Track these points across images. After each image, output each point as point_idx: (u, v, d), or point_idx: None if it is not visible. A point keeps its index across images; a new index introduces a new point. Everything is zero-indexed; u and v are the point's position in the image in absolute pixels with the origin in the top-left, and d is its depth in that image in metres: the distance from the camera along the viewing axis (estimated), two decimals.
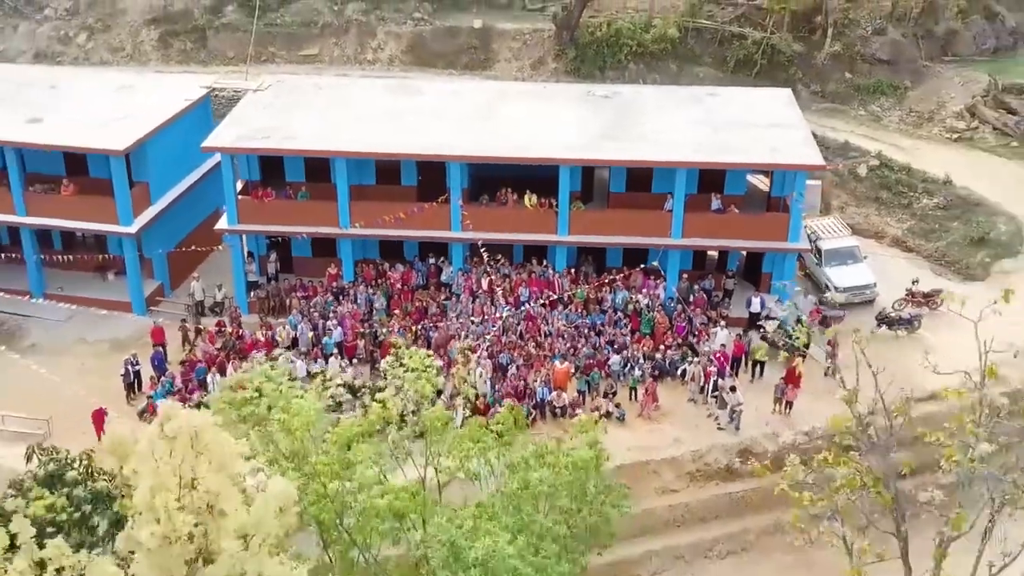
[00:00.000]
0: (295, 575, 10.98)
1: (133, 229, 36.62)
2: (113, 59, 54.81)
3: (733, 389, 31.99)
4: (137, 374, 33.38)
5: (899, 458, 22.61)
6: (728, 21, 54.02)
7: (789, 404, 32.60)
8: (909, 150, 48.70)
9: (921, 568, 21.98)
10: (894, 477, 20.07)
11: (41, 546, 11.16)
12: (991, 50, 55.28)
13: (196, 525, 10.44)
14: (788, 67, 52.42)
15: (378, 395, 15.96)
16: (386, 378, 17.85)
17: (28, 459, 19.23)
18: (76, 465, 18.13)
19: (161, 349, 34.27)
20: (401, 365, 16.25)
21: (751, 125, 37.53)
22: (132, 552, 11.41)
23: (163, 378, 32.85)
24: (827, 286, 38.30)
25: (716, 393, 32.54)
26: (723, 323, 34.75)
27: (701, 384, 32.99)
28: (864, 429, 21.40)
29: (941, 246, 43.35)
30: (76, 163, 38.37)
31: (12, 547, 11.84)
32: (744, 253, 38.46)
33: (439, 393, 20.86)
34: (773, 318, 35.53)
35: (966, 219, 44.01)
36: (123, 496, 11.64)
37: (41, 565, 11.42)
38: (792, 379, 32.34)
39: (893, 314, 36.90)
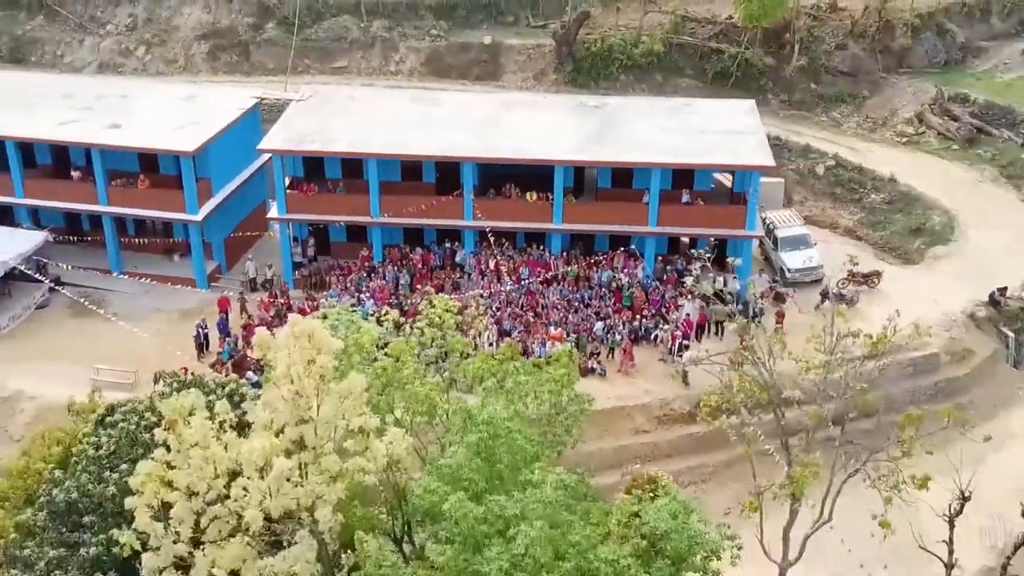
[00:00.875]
0: (370, 422, 17.12)
1: (199, 217, 42.92)
2: (168, 70, 61.18)
3: (686, 348, 38.20)
4: (206, 336, 39.68)
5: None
6: (708, 38, 59.90)
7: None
8: (863, 152, 54.65)
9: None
10: (779, 403, 25.66)
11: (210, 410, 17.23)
12: (942, 63, 60.82)
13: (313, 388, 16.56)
14: (760, 78, 58.37)
15: (418, 323, 22.18)
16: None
17: (156, 381, 25.57)
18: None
19: (225, 316, 40.64)
20: (432, 305, 22.48)
21: (717, 132, 43.58)
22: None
23: (227, 339, 39.24)
24: (782, 268, 44.44)
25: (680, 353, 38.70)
26: (689, 297, 40.93)
27: (669, 346, 39.24)
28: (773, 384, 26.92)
29: (885, 235, 49.43)
30: (149, 161, 44.59)
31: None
32: (713, 239, 44.56)
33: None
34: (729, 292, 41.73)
35: (907, 212, 50.06)
36: (268, 368, 17.67)
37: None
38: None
39: (835, 291, 42.98)
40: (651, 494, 19.22)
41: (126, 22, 63.19)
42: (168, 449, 17.14)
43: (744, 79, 58.12)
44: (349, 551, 17.89)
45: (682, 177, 43.21)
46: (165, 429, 16.99)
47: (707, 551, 18.08)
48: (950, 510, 25.82)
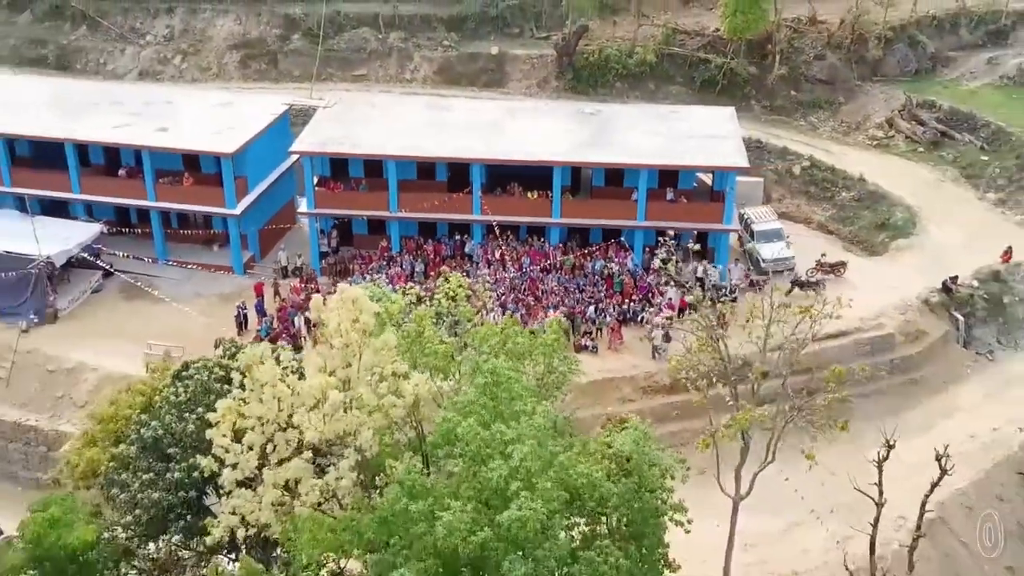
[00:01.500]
0: (400, 368, 21.67)
1: (236, 211, 47.55)
2: (202, 77, 65.81)
3: (658, 326, 42.69)
4: (245, 316, 44.33)
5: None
6: (696, 49, 64.27)
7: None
8: (836, 154, 58.96)
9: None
10: (728, 362, 29.92)
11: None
12: (913, 71, 64.92)
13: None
14: (744, 86, 62.70)
15: (436, 295, 26.78)
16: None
17: (216, 346, 30.18)
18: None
19: (261, 299, 45.29)
20: (447, 281, 27.05)
21: (699, 136, 48.09)
22: None
23: (264, 319, 43.90)
24: (758, 258, 48.85)
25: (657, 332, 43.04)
26: (673, 283, 45.42)
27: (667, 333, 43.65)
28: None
29: (854, 229, 53.83)
30: (192, 161, 49.25)
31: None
32: (695, 232, 49.01)
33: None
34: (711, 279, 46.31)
35: (874, 209, 54.40)
36: (322, 325, 22.17)
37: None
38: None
39: (803, 279, 47.44)
40: (621, 428, 23.69)
41: (164, 33, 67.87)
42: (243, 388, 21.76)
43: (729, 87, 62.47)
44: (382, 474, 22.39)
45: (667, 177, 47.73)
46: (242, 373, 21.56)
47: (662, 470, 22.60)
48: (878, 456, 30.22)
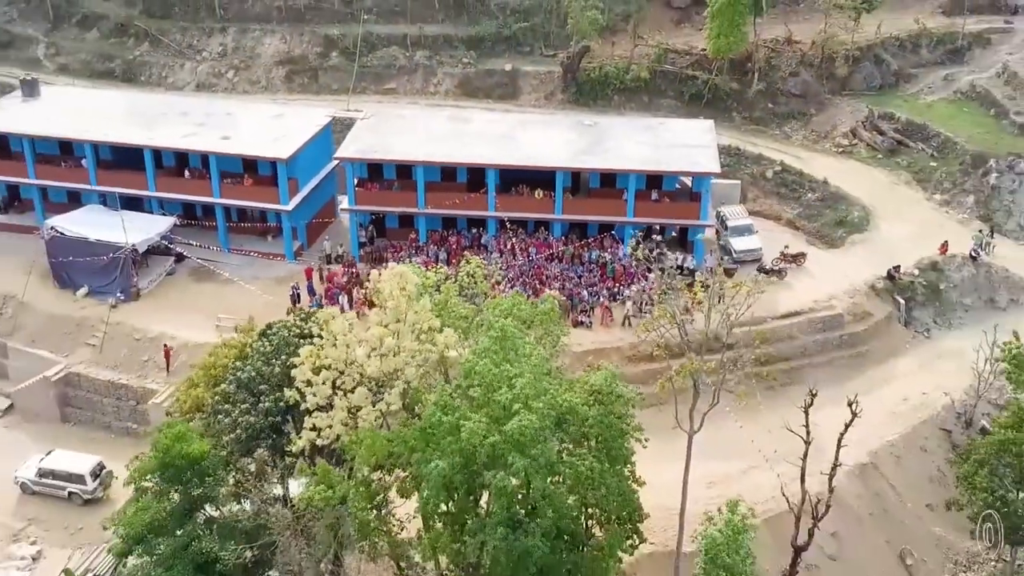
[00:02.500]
0: (435, 323, 29.06)
1: (289, 207, 55.05)
2: (252, 90, 73.38)
3: (629, 298, 49.98)
4: (298, 295, 51.82)
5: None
6: (685, 66, 71.31)
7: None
8: (805, 160, 65.97)
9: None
10: (682, 327, 37.11)
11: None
12: (878, 87, 71.64)
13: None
14: (726, 100, 69.70)
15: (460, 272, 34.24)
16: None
17: (288, 313, 37.78)
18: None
19: (310, 281, 52.84)
20: (468, 263, 34.49)
21: (681, 145, 55.30)
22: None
23: (314, 297, 51.46)
24: (731, 249, 55.96)
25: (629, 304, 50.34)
26: (655, 270, 52.53)
27: (639, 306, 51.04)
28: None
29: (816, 225, 60.85)
30: (250, 165, 56.80)
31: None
32: (677, 227, 56.18)
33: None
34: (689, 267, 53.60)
35: (834, 208, 61.39)
36: (377, 292, 29.55)
37: None
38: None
39: (768, 267, 54.58)
40: (596, 370, 31.06)
41: (218, 50, 75.53)
42: (320, 338, 29.29)
43: (714, 100, 69.54)
44: (419, 404, 29.83)
45: (653, 180, 54.93)
46: (320, 329, 29.10)
47: (625, 400, 29.95)
48: (804, 403, 37.37)
